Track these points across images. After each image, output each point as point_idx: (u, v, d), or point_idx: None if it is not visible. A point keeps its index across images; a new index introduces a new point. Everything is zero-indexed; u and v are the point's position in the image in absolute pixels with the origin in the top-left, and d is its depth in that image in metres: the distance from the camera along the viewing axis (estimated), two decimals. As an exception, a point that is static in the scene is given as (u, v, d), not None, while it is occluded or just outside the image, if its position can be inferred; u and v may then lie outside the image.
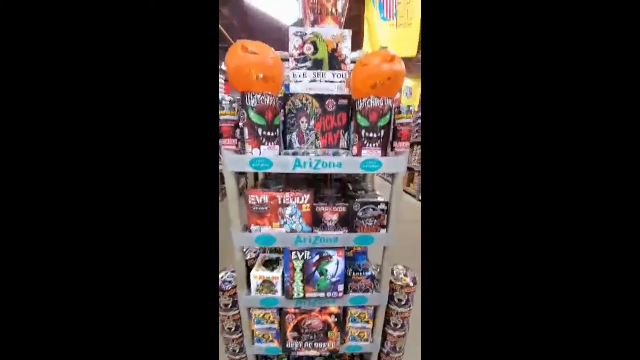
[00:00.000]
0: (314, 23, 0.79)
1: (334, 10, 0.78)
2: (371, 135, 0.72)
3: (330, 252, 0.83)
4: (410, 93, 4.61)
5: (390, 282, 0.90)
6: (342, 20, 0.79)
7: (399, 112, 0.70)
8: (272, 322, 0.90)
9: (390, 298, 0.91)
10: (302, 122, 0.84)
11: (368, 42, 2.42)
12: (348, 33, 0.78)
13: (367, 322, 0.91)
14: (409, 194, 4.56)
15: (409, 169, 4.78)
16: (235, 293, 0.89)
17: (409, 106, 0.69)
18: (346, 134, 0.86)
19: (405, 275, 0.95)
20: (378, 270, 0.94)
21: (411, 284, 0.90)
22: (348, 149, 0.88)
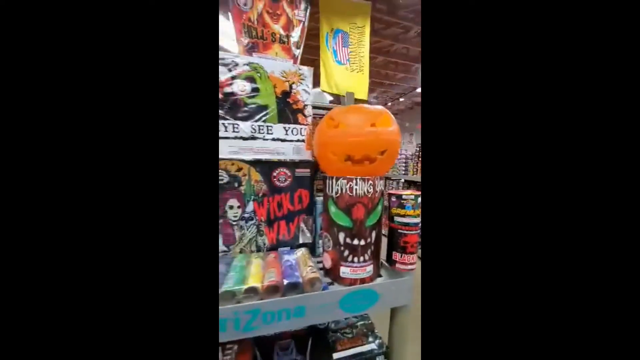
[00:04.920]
0: (252, 50, 0.49)
1: (283, 37, 0.50)
2: (356, 242, 0.40)
3: None
4: None
5: None
6: (298, 53, 0.52)
7: (401, 206, 0.42)
8: None
9: None
10: (231, 207, 0.47)
11: (325, 83, 2.47)
12: (308, 71, 0.51)
13: None
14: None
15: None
16: None
17: (416, 196, 0.41)
18: (310, 220, 0.53)
19: None
20: None
21: None
22: (314, 244, 0.54)
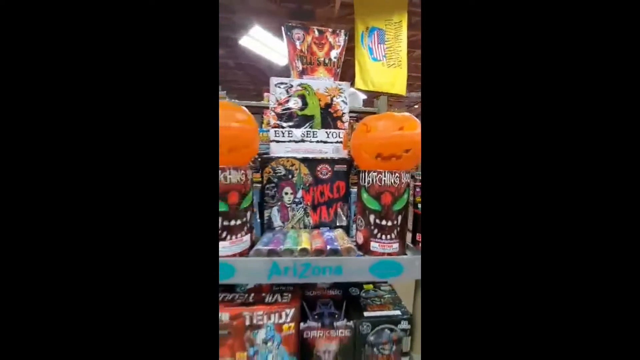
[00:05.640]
0: (303, 74, 0.63)
1: (327, 60, 0.63)
2: (384, 223, 0.50)
3: (327, 401, 0.53)
4: None
5: None
6: (338, 71, 0.65)
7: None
8: None
9: None
10: (287, 193, 0.62)
11: (360, 80, 2.49)
12: (346, 86, 0.62)
13: None
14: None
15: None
16: None
17: None
18: (345, 207, 0.64)
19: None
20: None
21: None
22: (348, 226, 0.65)
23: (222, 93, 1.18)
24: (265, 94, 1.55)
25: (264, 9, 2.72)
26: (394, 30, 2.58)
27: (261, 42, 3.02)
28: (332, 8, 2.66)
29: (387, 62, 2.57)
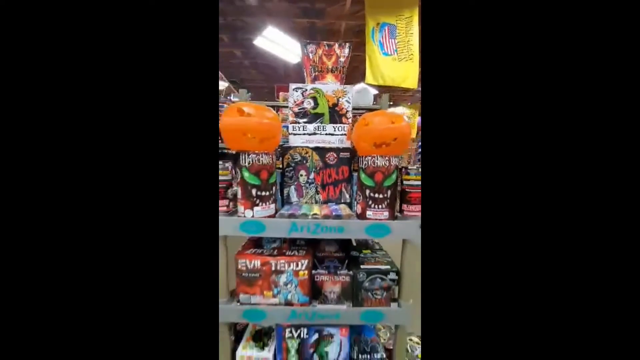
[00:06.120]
0: (315, 79, 0.79)
1: (334, 68, 0.78)
2: (377, 196, 0.65)
3: (332, 330, 0.70)
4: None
5: (405, 364, 0.74)
6: (343, 76, 0.79)
7: (407, 173, 0.64)
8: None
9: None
10: (302, 175, 0.79)
11: (370, 75, 2.50)
12: (350, 88, 0.77)
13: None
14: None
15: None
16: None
17: (418, 167, 0.63)
18: (349, 187, 0.80)
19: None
20: (391, 345, 0.79)
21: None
22: (350, 203, 0.80)
23: (247, 96, 1.36)
24: (282, 93, 1.72)
25: (277, 10, 2.86)
26: (405, 25, 2.54)
27: (274, 41, 3.16)
28: (342, 6, 2.74)
29: (399, 55, 2.51)
